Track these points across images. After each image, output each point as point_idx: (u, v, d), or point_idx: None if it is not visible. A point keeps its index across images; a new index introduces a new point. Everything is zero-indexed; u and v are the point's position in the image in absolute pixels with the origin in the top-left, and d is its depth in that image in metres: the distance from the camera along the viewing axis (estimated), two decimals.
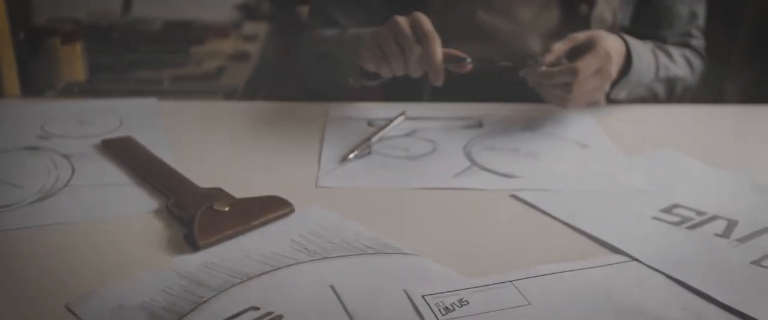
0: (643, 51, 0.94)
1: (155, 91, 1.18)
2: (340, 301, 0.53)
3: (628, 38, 0.92)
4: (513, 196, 0.72)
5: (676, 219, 0.68)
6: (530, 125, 0.91)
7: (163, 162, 0.76)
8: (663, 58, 1.01)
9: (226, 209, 0.65)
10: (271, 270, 0.57)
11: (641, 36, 1.03)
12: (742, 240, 0.64)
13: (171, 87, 1.23)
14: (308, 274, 0.57)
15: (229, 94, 1.19)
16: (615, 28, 1.05)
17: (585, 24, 1.01)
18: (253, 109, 0.99)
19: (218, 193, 0.69)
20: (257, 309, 0.52)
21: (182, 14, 1.97)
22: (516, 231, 0.66)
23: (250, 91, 1.22)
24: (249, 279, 0.56)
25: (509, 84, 1.06)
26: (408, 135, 0.88)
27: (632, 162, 0.80)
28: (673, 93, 1.06)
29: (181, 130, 0.88)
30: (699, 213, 0.69)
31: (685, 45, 1.08)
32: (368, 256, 0.60)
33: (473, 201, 0.71)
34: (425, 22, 0.80)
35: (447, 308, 0.52)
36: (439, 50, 0.80)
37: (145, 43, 1.53)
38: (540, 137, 0.87)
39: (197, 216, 0.63)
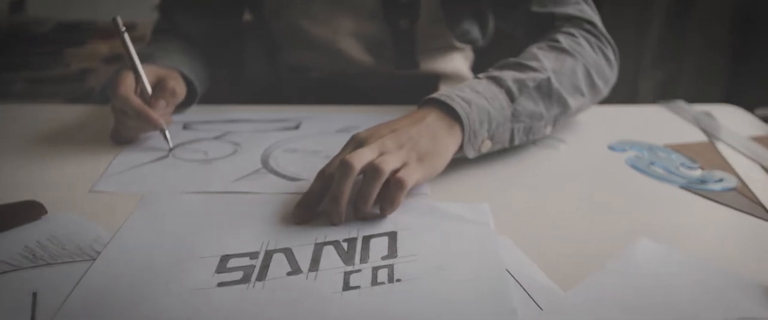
0: (471, 95, 0.73)
1: (6, 94, 1.17)
2: (33, 309, 0.52)
3: (445, 93, 0.73)
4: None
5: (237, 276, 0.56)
6: (347, 127, 0.90)
7: None
8: (513, 77, 0.76)
9: None
10: None
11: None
12: (313, 266, 0.57)
13: (26, 89, 1.22)
14: (20, 281, 0.56)
15: (82, 97, 1.17)
16: (447, 36, 1.04)
17: (408, 36, 1.00)
18: (77, 112, 0.98)
19: None
20: None
21: (102, 15, 1.95)
22: None
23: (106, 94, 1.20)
24: None
25: (363, 90, 1.06)
26: (217, 137, 0.87)
27: None
28: (591, 89, 0.83)
29: None
30: (251, 255, 0.59)
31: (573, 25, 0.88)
32: (92, 262, 0.59)
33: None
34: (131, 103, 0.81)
35: None
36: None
37: (30, 44, 1.51)
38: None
39: None
